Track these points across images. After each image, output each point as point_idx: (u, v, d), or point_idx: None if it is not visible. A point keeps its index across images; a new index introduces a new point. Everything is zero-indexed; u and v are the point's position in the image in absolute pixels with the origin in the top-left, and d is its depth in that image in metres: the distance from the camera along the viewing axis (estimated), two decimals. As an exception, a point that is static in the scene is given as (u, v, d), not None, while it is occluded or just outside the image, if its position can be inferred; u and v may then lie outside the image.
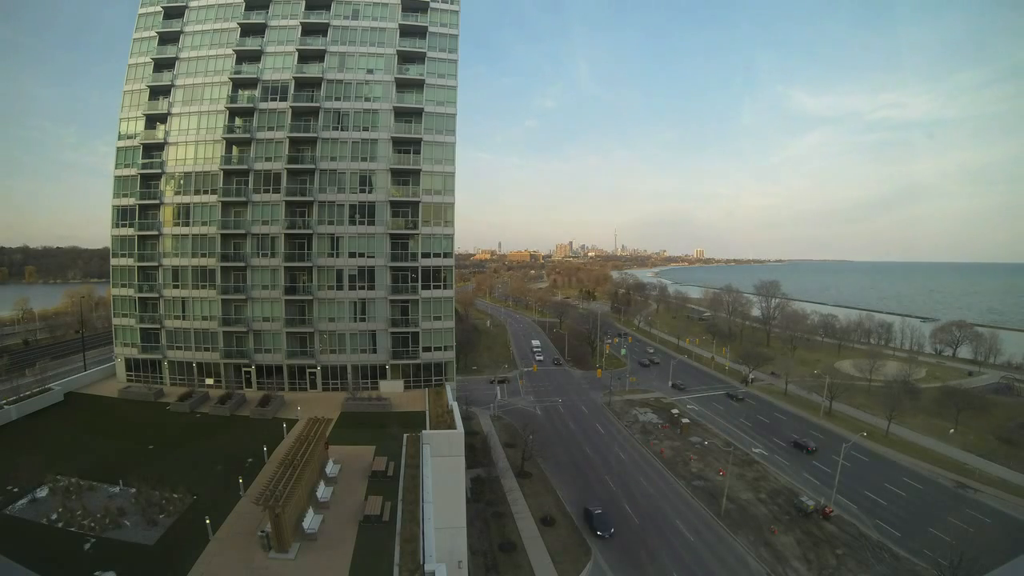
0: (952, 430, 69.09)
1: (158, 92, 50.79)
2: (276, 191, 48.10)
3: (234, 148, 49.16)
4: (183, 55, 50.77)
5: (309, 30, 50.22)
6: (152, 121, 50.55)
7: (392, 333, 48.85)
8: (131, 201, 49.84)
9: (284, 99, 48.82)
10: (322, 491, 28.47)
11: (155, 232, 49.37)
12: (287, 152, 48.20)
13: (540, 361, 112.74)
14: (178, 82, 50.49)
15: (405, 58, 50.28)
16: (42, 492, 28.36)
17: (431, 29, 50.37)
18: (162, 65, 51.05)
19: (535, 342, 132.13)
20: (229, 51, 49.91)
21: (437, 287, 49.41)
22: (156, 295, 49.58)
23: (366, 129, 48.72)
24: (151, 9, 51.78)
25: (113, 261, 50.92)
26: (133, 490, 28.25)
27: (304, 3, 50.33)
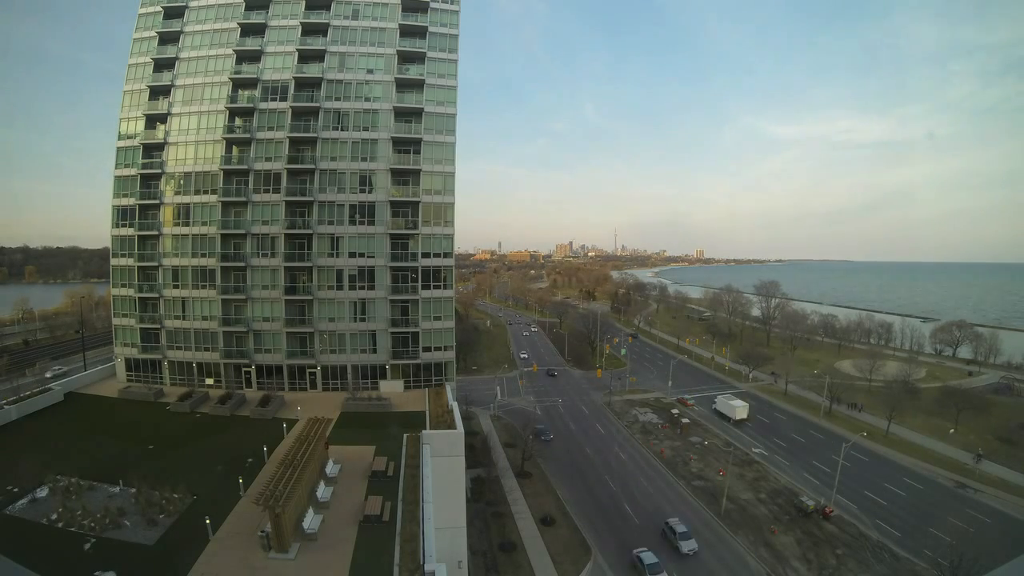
0: (952, 430, 69.06)
1: (158, 92, 50.78)
2: (276, 191, 48.09)
3: (234, 148, 49.15)
4: (183, 55, 50.76)
5: (309, 30, 50.22)
6: (152, 121, 50.54)
7: (392, 333, 48.85)
8: (131, 201, 49.83)
9: (284, 99, 48.82)
10: (322, 491, 28.47)
11: (155, 232, 49.37)
12: (287, 152, 48.20)
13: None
14: (178, 82, 50.49)
15: (405, 58, 50.28)
16: (42, 492, 28.36)
17: (431, 29, 50.37)
18: (162, 65, 51.05)
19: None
20: (229, 51, 49.90)
21: (437, 287, 49.41)
22: (156, 295, 49.57)
23: (366, 129, 48.72)
24: (151, 9, 51.77)
25: (113, 261, 50.92)
26: (133, 490, 28.24)
27: (304, 3, 50.32)
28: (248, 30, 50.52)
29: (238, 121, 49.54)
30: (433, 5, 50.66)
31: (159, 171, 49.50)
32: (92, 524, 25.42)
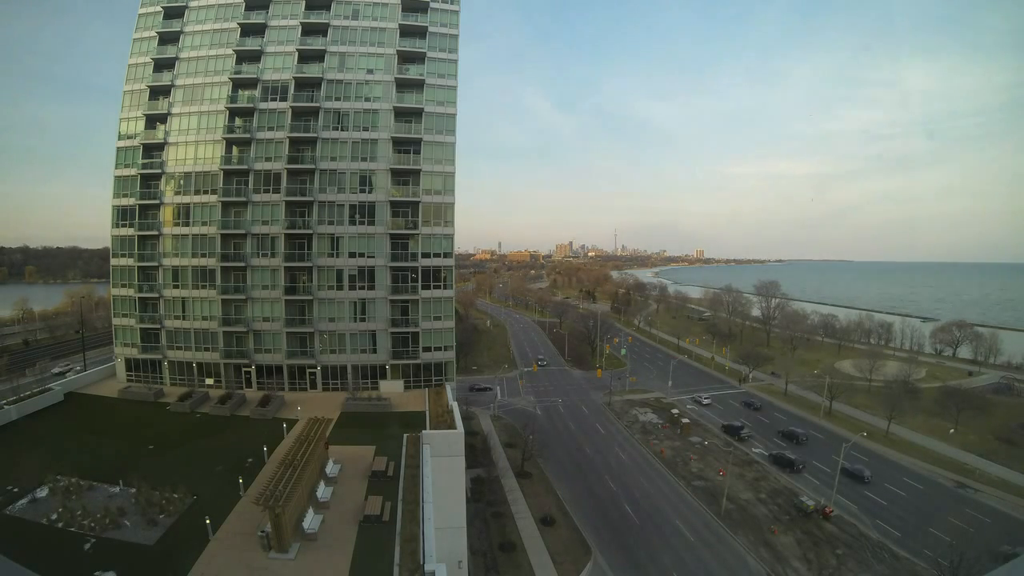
0: (952, 430, 69.07)
1: (158, 92, 50.78)
2: (276, 191, 48.09)
3: (234, 148, 49.15)
4: (183, 55, 50.76)
5: (309, 30, 50.21)
6: (152, 121, 50.53)
7: (392, 333, 48.85)
8: (131, 201, 49.83)
9: (284, 99, 48.81)
10: (322, 491, 28.47)
11: (155, 232, 49.36)
12: (287, 152, 48.19)
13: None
14: (178, 82, 50.48)
15: (405, 58, 50.28)
16: (42, 492, 28.34)
17: (431, 29, 50.36)
18: (162, 65, 51.04)
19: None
20: (229, 51, 49.90)
21: (437, 287, 49.41)
22: (156, 295, 49.57)
23: (366, 129, 48.71)
24: (151, 9, 51.77)
25: (113, 261, 50.92)
26: (133, 490, 28.24)
27: (304, 3, 50.31)
28: (248, 30, 50.51)
29: (238, 121, 49.53)
30: (433, 5, 50.65)
31: (159, 171, 49.49)
32: (92, 524, 25.39)
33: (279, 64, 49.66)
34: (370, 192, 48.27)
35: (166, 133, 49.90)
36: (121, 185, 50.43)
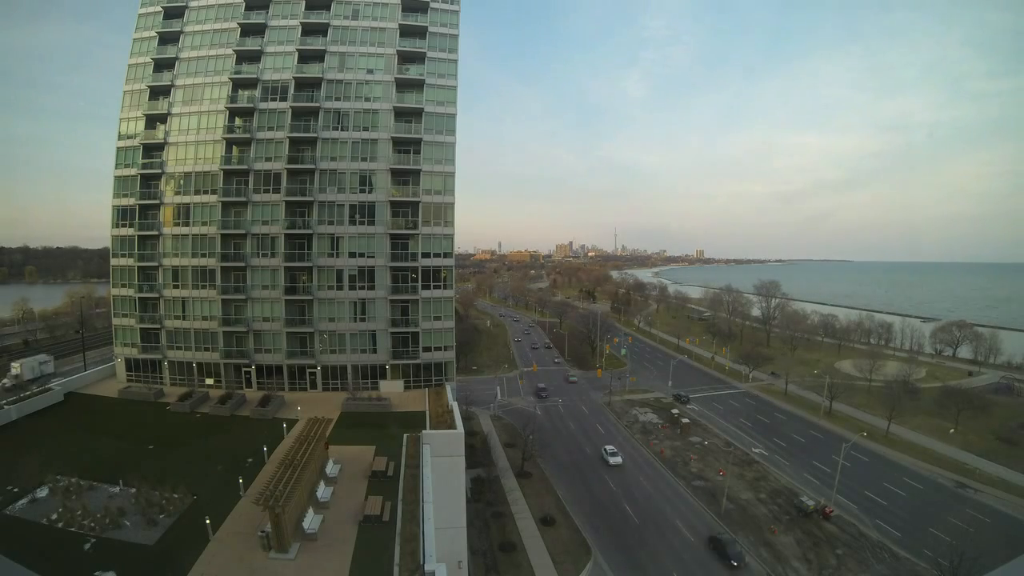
0: (952, 430, 69.09)
1: (158, 92, 50.79)
2: (276, 191, 48.09)
3: (234, 148, 49.14)
4: (183, 55, 50.76)
5: (309, 30, 50.21)
6: (152, 121, 50.53)
7: (392, 333, 48.84)
8: (131, 201, 49.84)
9: (284, 99, 48.81)
10: (322, 491, 28.47)
11: (155, 232, 49.37)
12: (287, 152, 48.18)
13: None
14: (178, 82, 50.48)
15: (405, 58, 50.28)
16: (42, 492, 28.37)
17: (431, 29, 50.36)
18: (162, 65, 51.05)
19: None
20: (229, 51, 49.90)
21: (437, 287, 49.41)
22: (156, 295, 49.59)
23: (366, 129, 48.71)
24: (151, 9, 51.78)
25: (113, 261, 50.93)
26: (133, 490, 28.26)
27: (304, 3, 50.31)
28: (248, 30, 50.51)
29: (238, 121, 49.54)
30: (433, 5, 50.65)
31: (159, 171, 49.49)
32: (92, 524, 25.41)
33: (279, 64, 49.65)
34: (370, 192, 48.27)
35: (166, 133, 49.89)
36: (121, 185, 50.43)
